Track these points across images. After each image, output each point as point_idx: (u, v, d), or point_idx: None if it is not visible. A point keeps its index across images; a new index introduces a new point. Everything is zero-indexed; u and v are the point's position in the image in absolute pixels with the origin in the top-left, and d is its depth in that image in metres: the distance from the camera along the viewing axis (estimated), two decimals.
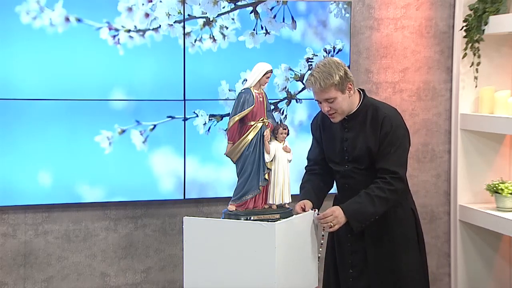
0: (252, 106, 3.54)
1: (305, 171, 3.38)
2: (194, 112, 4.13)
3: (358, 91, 3.17)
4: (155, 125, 4.08)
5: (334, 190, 4.37)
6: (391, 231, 3.19)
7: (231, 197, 3.64)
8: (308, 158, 3.40)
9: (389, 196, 3.07)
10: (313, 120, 3.37)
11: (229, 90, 4.15)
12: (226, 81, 4.16)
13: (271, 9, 4.20)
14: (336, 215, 3.07)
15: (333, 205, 3.38)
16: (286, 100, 4.27)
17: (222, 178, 4.16)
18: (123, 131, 4.03)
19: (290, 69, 4.26)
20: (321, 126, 3.28)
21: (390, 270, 3.18)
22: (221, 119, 4.16)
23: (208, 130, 4.16)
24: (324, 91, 3.03)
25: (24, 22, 3.83)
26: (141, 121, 4.05)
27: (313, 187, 3.28)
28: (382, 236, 3.18)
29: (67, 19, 3.89)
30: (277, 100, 4.25)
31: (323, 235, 3.47)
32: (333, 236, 3.35)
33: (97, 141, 3.98)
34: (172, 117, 4.10)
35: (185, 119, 4.11)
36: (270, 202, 3.62)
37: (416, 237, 3.25)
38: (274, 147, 3.59)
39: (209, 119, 4.16)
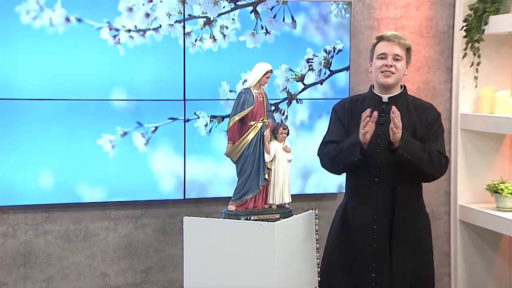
0: (252, 106, 3.54)
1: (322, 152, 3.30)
2: (195, 114, 4.13)
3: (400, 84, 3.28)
4: (156, 127, 4.08)
5: (332, 190, 4.39)
6: (420, 235, 3.21)
7: (231, 197, 3.64)
8: (327, 141, 3.30)
9: (436, 163, 3.12)
10: (339, 104, 3.36)
11: (230, 91, 4.15)
12: (226, 82, 4.16)
13: (271, 9, 4.20)
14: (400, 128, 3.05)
15: (338, 212, 3.35)
16: (287, 101, 4.27)
17: (222, 178, 4.16)
18: (125, 133, 4.03)
19: (291, 70, 4.26)
20: (349, 110, 3.27)
21: (418, 272, 3.19)
22: (222, 120, 4.16)
23: (209, 131, 4.16)
24: (400, 46, 3.17)
25: (24, 22, 3.83)
26: (142, 122, 4.05)
27: None
28: (412, 239, 3.18)
29: (68, 19, 3.89)
30: (278, 101, 4.25)
31: (317, 240, 3.47)
32: (344, 238, 3.29)
33: (100, 144, 3.98)
34: (174, 119, 4.10)
35: (185, 119, 4.11)
36: (270, 202, 3.62)
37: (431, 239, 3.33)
38: (274, 147, 3.59)
39: (210, 121, 4.16)
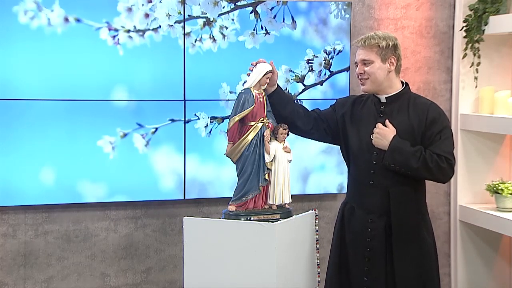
0: (252, 106, 3.53)
1: None
2: (195, 115, 4.13)
3: (402, 82, 3.17)
4: (156, 128, 4.08)
5: (332, 190, 4.39)
6: (419, 239, 3.13)
7: (231, 197, 3.63)
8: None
9: (434, 168, 3.01)
10: (344, 97, 3.37)
11: (230, 92, 4.15)
12: (226, 83, 4.15)
13: (271, 9, 4.20)
14: (386, 133, 3.04)
15: (339, 211, 3.33)
16: None
17: (222, 178, 4.16)
18: (125, 134, 4.03)
19: (291, 71, 4.26)
20: (350, 108, 3.23)
21: (418, 277, 3.13)
22: (222, 121, 4.16)
23: (210, 132, 4.16)
24: (365, 50, 3.07)
25: (22, 22, 3.83)
26: (142, 123, 4.05)
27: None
28: (410, 243, 3.11)
29: (66, 19, 3.89)
30: None
31: (317, 240, 3.46)
32: (342, 239, 3.27)
33: (100, 145, 3.98)
34: (173, 120, 4.10)
35: (185, 119, 4.11)
36: (270, 202, 3.61)
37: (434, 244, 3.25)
38: (274, 147, 3.58)
39: (210, 122, 4.15)
